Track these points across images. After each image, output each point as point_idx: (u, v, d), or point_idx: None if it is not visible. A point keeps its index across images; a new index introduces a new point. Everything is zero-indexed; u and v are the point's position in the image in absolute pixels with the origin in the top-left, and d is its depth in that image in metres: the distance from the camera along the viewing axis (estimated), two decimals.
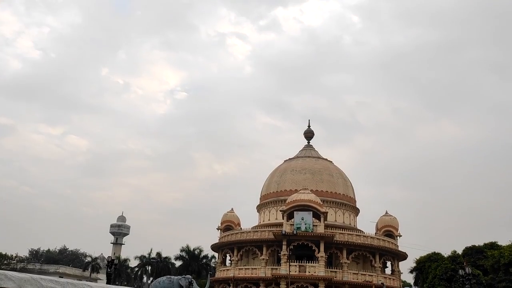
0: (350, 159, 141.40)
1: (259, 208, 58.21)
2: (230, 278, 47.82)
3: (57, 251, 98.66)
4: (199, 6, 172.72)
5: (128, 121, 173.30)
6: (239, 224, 54.40)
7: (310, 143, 62.63)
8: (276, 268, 45.08)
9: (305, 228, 44.01)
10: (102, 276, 72.43)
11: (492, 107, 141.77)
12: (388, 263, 52.04)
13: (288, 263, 42.36)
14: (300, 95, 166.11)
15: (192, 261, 62.92)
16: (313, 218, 44.60)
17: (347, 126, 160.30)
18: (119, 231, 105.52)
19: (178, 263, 65.31)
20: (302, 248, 44.51)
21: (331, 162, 60.04)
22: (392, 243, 49.45)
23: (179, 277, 21.61)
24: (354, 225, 55.29)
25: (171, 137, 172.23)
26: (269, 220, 54.69)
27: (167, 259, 66.80)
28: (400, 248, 50.50)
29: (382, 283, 42.84)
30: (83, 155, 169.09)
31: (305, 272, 43.11)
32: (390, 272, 51.59)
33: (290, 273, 41.62)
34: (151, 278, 63.40)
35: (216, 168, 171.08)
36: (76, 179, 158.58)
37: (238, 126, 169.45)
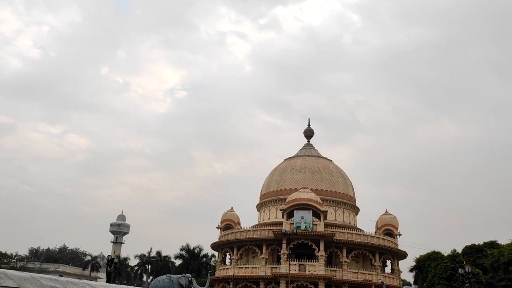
0: (350, 158, 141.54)
1: (259, 207, 58.23)
2: (230, 277, 47.86)
3: (57, 250, 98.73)
4: (199, 4, 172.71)
5: (128, 120, 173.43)
6: (239, 223, 54.43)
7: (310, 142, 62.63)
8: (276, 267, 45.11)
9: (305, 227, 44.04)
10: (102, 275, 72.47)
11: (492, 106, 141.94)
12: (388, 262, 52.09)
13: (288, 262, 42.39)
14: (300, 94, 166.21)
15: (192, 260, 62.94)
16: (313, 217, 44.62)
17: (347, 125, 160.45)
18: (119, 230, 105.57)
19: (178, 262, 65.33)
20: (302, 247, 44.53)
21: (331, 161, 60.06)
22: (392, 242, 49.48)
23: (179, 276, 21.64)
24: (354, 224, 55.32)
25: (171, 136, 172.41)
26: (269, 219, 54.72)
27: (167, 258, 66.81)
28: (400, 247, 50.56)
29: (382, 282, 42.87)
30: (83, 154, 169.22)
31: (305, 271, 43.16)
32: (390, 271, 51.65)
33: (290, 272, 41.65)
34: (151, 277, 63.38)
35: (216, 167, 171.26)
36: (76, 178, 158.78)
37: (238, 125, 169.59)
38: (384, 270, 50.27)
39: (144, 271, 68.72)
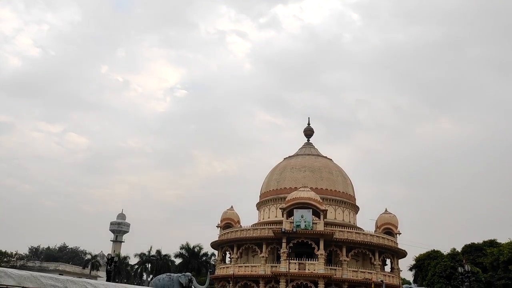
0: (350, 157, 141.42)
1: (259, 205, 58.27)
2: (229, 276, 47.91)
3: (57, 248, 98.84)
4: (199, 3, 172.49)
5: (128, 119, 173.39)
6: (238, 222, 54.46)
7: (310, 141, 62.65)
8: (276, 266, 45.15)
9: (305, 225, 44.07)
10: (102, 273, 72.50)
11: (492, 105, 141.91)
12: (388, 261, 52.15)
13: (287, 261, 42.42)
14: (300, 93, 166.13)
15: (192, 258, 62.95)
16: (313, 216, 44.64)
17: (347, 124, 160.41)
18: (119, 229, 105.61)
19: (178, 261, 65.33)
20: (301, 245, 44.56)
21: (331, 160, 60.08)
22: (391, 240, 49.52)
23: (179, 274, 21.68)
24: (354, 223, 55.36)
25: (171, 134, 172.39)
26: (268, 217, 54.76)
27: (167, 256, 66.83)
28: (399, 246, 50.61)
29: (382, 281, 42.91)
30: (83, 152, 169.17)
31: (304, 269, 43.20)
32: (390, 269, 51.70)
33: (290, 270, 41.71)
34: (151, 276, 63.46)
35: (216, 165, 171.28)
36: (76, 176, 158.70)
37: (238, 124, 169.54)
38: (383, 269, 50.31)
39: (144, 270, 68.77)
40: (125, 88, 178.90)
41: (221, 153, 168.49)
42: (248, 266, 48.41)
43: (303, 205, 45.08)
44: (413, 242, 62.91)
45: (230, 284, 47.76)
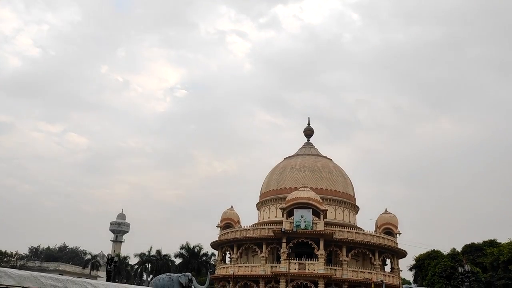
0: (350, 157, 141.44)
1: (259, 205, 58.28)
2: (229, 276, 47.91)
3: (57, 248, 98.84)
4: (199, 3, 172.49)
5: (128, 119, 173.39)
6: (238, 222, 54.47)
7: (310, 141, 62.66)
8: (276, 266, 45.15)
9: (305, 225, 44.07)
10: (102, 273, 72.50)
11: (493, 105, 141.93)
12: (388, 261, 52.15)
13: (287, 261, 42.42)
14: (300, 93, 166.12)
15: (192, 258, 62.95)
16: (313, 216, 44.64)
17: (347, 124, 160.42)
18: (119, 229, 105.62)
19: (178, 261, 65.33)
20: (301, 245, 44.56)
21: (331, 160, 60.08)
22: (391, 240, 49.52)
23: (179, 274, 21.69)
24: (354, 223, 55.37)
25: (171, 134, 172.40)
26: (268, 217, 54.77)
27: (166, 256, 66.83)
28: (399, 246, 50.61)
29: (382, 281, 42.91)
30: (82, 152, 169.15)
31: (304, 269, 43.20)
32: (390, 269, 51.70)
33: (290, 270, 41.70)
34: (151, 276, 63.46)
35: (216, 165, 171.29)
36: (76, 176, 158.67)
37: (238, 124, 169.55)
38: (383, 269, 50.31)
39: (144, 270, 68.78)
40: (125, 88, 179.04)
41: (221, 153, 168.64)
42: (248, 266, 48.41)
43: (303, 205, 45.08)
44: (413, 242, 62.97)
45: (230, 284, 47.76)
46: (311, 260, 43.59)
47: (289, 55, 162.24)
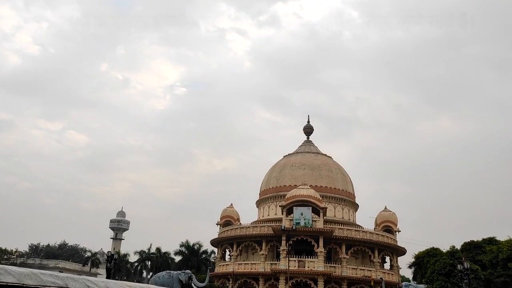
0: (350, 155, 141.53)
1: (259, 203, 58.35)
2: (229, 273, 48.00)
3: (57, 246, 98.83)
4: (199, 1, 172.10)
5: (127, 117, 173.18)
6: (238, 220, 54.55)
7: (309, 139, 62.71)
8: (275, 263, 45.24)
9: (304, 223, 44.13)
10: (102, 271, 72.56)
11: (492, 103, 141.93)
12: (387, 258, 52.28)
13: (287, 258, 42.50)
14: (300, 91, 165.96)
15: (192, 256, 62.99)
16: (312, 214, 44.70)
17: (347, 122, 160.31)
18: (119, 226, 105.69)
19: (177, 258, 65.39)
20: (301, 243, 44.65)
21: (331, 157, 60.13)
22: (391, 238, 49.62)
23: (179, 272, 21.77)
24: (353, 221, 55.45)
25: (171, 132, 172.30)
26: (268, 215, 54.84)
27: (166, 254, 66.85)
28: (399, 243, 50.72)
29: (381, 278, 43.00)
30: (82, 150, 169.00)
31: (304, 267, 43.29)
32: (389, 267, 51.84)
33: (289, 268, 41.77)
34: (150, 273, 63.50)
35: (216, 163, 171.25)
36: (76, 174, 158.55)
37: (238, 122, 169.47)
38: (383, 266, 50.45)
39: (144, 267, 68.81)
40: (125, 86, 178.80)
41: (221, 151, 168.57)
42: (247, 263, 48.50)
43: (303, 203, 45.14)
44: (413, 240, 63.26)
45: (230, 282, 47.85)
46: (310, 258, 43.69)
47: (289, 53, 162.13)
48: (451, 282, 41.79)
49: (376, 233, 48.70)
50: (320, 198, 46.86)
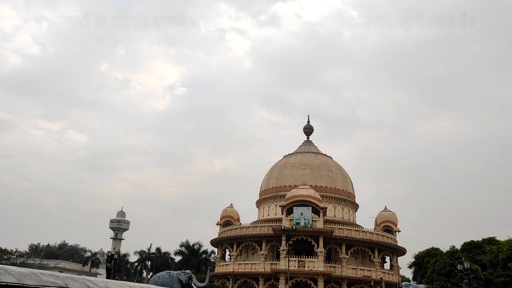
0: (350, 155, 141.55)
1: (259, 203, 58.34)
2: (229, 273, 48.00)
3: (57, 246, 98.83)
4: (199, 1, 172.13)
5: (127, 117, 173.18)
6: (238, 220, 54.54)
7: (309, 139, 62.71)
8: (276, 263, 45.24)
9: (304, 223, 44.14)
10: (102, 271, 72.57)
11: (492, 103, 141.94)
12: (387, 258, 52.27)
13: (287, 258, 42.50)
14: (300, 91, 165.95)
15: (192, 256, 62.99)
16: (312, 214, 44.71)
17: (347, 122, 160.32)
18: (119, 226, 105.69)
19: (177, 258, 65.40)
20: (301, 243, 44.65)
21: (331, 157, 60.13)
22: (391, 238, 49.62)
23: (179, 272, 21.76)
24: (353, 221, 55.45)
25: (171, 132, 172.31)
26: (268, 215, 54.84)
27: (166, 254, 66.85)
28: (399, 243, 50.72)
29: (381, 278, 43.00)
30: (82, 150, 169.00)
31: (304, 267, 43.29)
32: (389, 267, 51.84)
33: (289, 268, 41.78)
34: (150, 273, 63.51)
35: (216, 163, 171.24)
36: (76, 174, 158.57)
37: (238, 122, 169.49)
38: (383, 266, 50.45)
39: (144, 267, 68.81)
40: (125, 86, 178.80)
41: (221, 151, 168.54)
42: (247, 263, 48.51)
43: (303, 203, 45.14)
44: (413, 240, 63.27)
45: (230, 282, 47.85)
46: (310, 258, 43.69)
47: (289, 52, 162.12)
48: (451, 282, 41.78)
49: (376, 233, 48.70)
50: (320, 198, 46.86)
